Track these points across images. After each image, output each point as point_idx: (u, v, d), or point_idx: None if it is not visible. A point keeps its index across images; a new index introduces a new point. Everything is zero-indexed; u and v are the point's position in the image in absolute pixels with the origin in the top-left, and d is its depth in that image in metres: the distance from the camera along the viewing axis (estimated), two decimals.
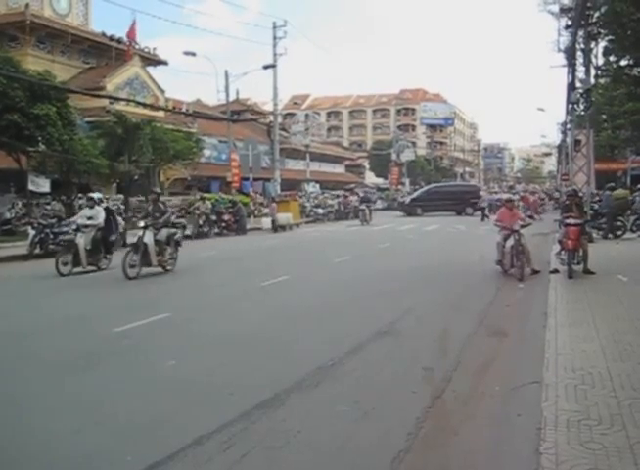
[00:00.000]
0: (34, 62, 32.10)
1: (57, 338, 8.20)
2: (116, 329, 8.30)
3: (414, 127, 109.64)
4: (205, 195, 30.55)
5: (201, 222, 26.11)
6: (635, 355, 6.12)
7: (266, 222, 29.48)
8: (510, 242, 12.55)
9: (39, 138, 23.60)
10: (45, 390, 5.99)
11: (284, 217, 29.96)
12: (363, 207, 34.58)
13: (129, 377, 6.34)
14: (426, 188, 47.17)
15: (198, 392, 5.83)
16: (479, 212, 36.27)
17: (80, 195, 28.77)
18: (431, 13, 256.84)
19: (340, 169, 72.36)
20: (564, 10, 30.95)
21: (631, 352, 6.27)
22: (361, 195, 41.07)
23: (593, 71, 28.68)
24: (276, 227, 29.48)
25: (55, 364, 6.83)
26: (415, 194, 45.45)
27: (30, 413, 5.31)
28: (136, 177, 31.21)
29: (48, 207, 25.02)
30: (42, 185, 27.42)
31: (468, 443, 4.60)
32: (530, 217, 24.88)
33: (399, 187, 66.02)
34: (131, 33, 40.01)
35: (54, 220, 19.75)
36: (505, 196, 17.00)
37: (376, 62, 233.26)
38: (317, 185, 55.46)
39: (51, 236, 18.73)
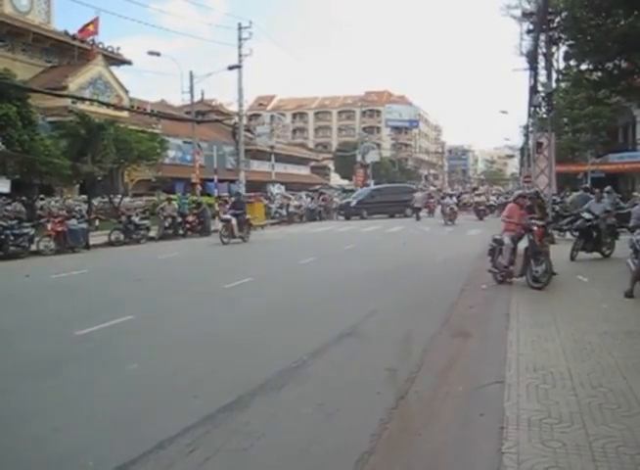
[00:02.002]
0: None
1: (16, 342, 8.04)
2: (79, 332, 8.19)
3: (379, 129, 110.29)
4: (172, 196, 30.28)
5: (167, 224, 25.83)
6: (595, 355, 6.23)
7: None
8: (523, 243, 10.95)
9: None
10: (4, 395, 5.88)
11: None
12: (227, 216, 23.39)
13: (91, 381, 6.25)
14: (368, 190, 45.30)
15: (161, 395, 5.78)
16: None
17: (42, 196, 28.40)
18: (395, 15, 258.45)
19: (305, 171, 72.40)
20: (526, 15, 31.39)
21: (591, 351, 6.38)
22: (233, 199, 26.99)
23: (554, 75, 29.13)
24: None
25: (14, 369, 6.71)
26: (360, 196, 42.61)
27: None
28: (99, 178, 30.82)
29: (9, 208, 24.63)
30: (2, 186, 26.94)
31: (431, 443, 4.64)
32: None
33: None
34: (86, 32, 39.47)
35: (15, 222, 19.44)
36: (518, 192, 14.44)
37: (341, 63, 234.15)
38: (282, 186, 55.42)
39: (11, 237, 18.42)
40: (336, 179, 79.60)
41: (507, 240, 11.13)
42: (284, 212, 37.23)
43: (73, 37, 39.17)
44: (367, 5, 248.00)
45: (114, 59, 42.03)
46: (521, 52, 34.42)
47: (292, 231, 29.97)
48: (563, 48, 24.17)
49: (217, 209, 31.50)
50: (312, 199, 42.87)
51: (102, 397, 5.78)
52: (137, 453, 4.38)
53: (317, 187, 55.21)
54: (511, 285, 11.12)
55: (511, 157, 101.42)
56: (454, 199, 38.59)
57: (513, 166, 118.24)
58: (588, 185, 23.64)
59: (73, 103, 32.32)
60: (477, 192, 45.30)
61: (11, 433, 4.90)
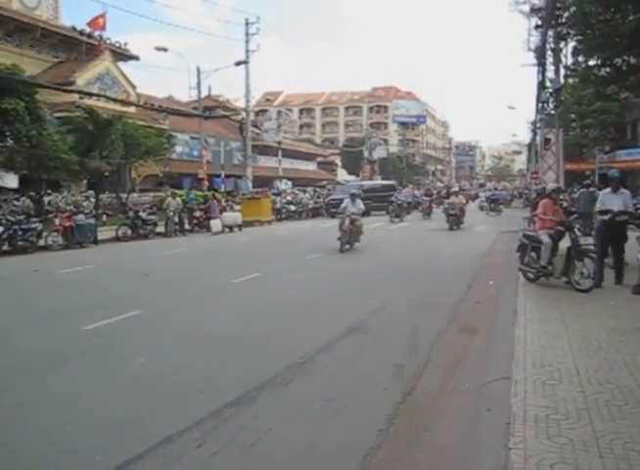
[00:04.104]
0: (2, 55, 31.50)
1: (24, 337, 8.07)
2: (86, 327, 8.21)
3: (386, 125, 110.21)
4: (177, 191, 30.29)
5: (176, 220, 25.86)
6: (602, 351, 6.21)
7: (215, 224, 26.62)
8: (566, 242, 10.07)
9: (7, 133, 23.26)
10: (12, 390, 5.90)
11: (230, 217, 28.21)
12: None
13: (99, 376, 6.27)
14: (355, 187, 41.04)
15: (168, 390, 5.80)
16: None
17: (49, 191, 28.49)
18: (403, 11, 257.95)
19: (312, 166, 72.32)
20: (534, 10, 31.37)
21: (598, 347, 6.36)
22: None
23: (562, 71, 29.11)
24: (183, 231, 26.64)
25: (22, 364, 6.73)
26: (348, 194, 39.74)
27: None
28: (107, 174, 30.89)
29: (17, 203, 24.74)
30: (10, 181, 27.05)
31: (438, 438, 4.64)
32: None
33: None
34: (96, 24, 39.51)
35: (22, 217, 19.54)
36: (552, 185, 12.97)
37: (348, 59, 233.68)
38: (289, 182, 55.42)
39: (20, 232, 18.52)
40: (343, 175, 79.50)
41: (546, 239, 10.22)
42: (292, 208, 36.83)
43: (81, 33, 39.19)
44: (375, 0, 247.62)
45: (121, 54, 42.05)
46: (529, 47, 34.47)
47: (296, 227, 29.96)
48: (571, 44, 24.13)
49: (224, 204, 31.55)
50: (312, 195, 42.33)
51: (109, 391, 5.80)
52: (145, 448, 4.40)
53: (324, 183, 55.18)
54: (517, 280, 11.05)
55: (518, 153, 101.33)
56: (401, 197, 33.99)
57: (520, 163, 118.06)
58: (589, 181, 23.54)
59: (81, 98, 32.40)
60: (453, 189, 36.63)
61: (19, 428, 4.92)
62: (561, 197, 20.60)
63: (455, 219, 25.60)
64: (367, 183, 45.89)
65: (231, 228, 27.48)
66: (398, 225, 29.28)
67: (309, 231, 27.49)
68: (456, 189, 35.03)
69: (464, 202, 27.85)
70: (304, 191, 45.17)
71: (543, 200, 11.22)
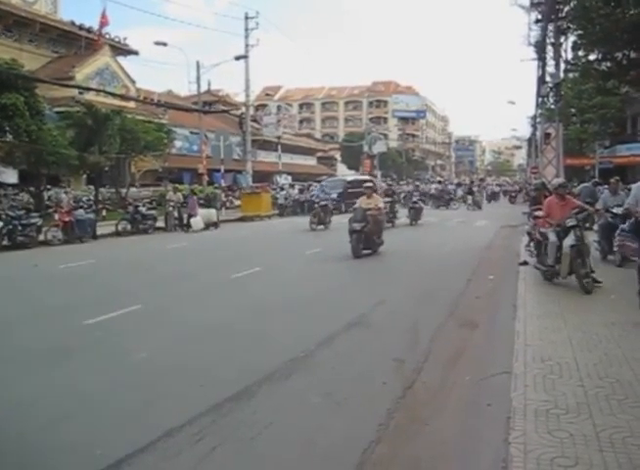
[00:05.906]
0: (1, 50, 31.37)
1: (25, 331, 8.08)
2: (87, 321, 8.23)
3: (386, 120, 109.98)
4: (179, 186, 30.23)
5: (176, 215, 25.80)
6: (602, 346, 6.21)
7: (195, 222, 25.29)
8: (570, 240, 9.39)
9: (6, 128, 23.23)
10: (13, 384, 5.91)
11: (204, 215, 26.43)
12: None
13: (100, 370, 6.28)
14: (340, 182, 38.29)
15: (168, 384, 5.81)
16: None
17: (49, 186, 28.46)
18: (403, 5, 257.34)
19: (311, 161, 72.17)
20: (534, 4, 31.30)
21: (598, 342, 6.36)
22: None
23: (563, 66, 29.07)
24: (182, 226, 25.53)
25: (24, 359, 6.73)
26: (339, 188, 35.17)
27: None
28: (106, 168, 30.84)
29: (16, 198, 24.72)
30: (10, 176, 27.02)
31: (438, 432, 4.64)
32: None
33: None
34: (103, 22, 39.44)
35: (22, 212, 19.52)
36: (558, 180, 11.98)
37: (348, 54, 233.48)
38: (289, 177, 55.36)
39: (19, 228, 18.50)
40: (342, 170, 79.31)
41: (552, 237, 9.79)
42: (291, 203, 36.62)
43: (80, 27, 39.04)
44: None
45: (120, 49, 41.89)
46: (529, 42, 34.36)
47: (298, 221, 29.92)
48: (571, 38, 24.06)
49: (224, 199, 31.46)
50: (302, 191, 42.11)
51: (110, 385, 5.81)
52: (145, 442, 4.41)
53: (324, 178, 55.11)
54: (517, 275, 11.03)
55: (518, 148, 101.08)
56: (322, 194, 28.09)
57: (520, 158, 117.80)
58: (597, 179, 23.38)
59: (80, 93, 32.29)
60: (366, 184, 18.71)
61: (21, 421, 4.92)
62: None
63: (359, 238, 14.85)
64: (349, 178, 42.43)
65: (207, 226, 26.00)
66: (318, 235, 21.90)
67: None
68: (370, 184, 19.22)
69: (381, 206, 16.55)
70: (292, 186, 44.62)
71: (548, 198, 10.71)
